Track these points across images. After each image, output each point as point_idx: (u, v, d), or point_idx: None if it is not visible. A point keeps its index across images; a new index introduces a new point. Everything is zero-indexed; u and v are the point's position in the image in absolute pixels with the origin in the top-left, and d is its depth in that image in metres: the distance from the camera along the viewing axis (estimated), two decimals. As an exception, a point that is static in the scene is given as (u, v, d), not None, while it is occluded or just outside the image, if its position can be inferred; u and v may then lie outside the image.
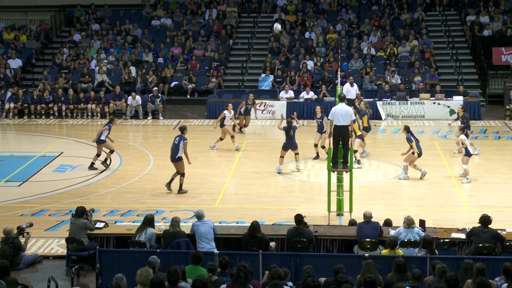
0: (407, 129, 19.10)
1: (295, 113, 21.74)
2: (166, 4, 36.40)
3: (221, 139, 22.70)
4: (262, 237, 12.93)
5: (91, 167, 20.55)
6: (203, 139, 23.88)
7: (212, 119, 27.49)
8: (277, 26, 25.99)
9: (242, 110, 24.93)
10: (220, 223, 15.32)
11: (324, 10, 35.11)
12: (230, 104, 23.20)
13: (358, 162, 20.56)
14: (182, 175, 18.27)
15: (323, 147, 20.95)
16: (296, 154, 20.20)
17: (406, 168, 19.20)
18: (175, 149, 18.15)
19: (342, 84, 25.56)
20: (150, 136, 26.08)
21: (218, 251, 12.53)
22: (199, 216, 13.41)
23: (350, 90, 26.32)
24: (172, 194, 18.30)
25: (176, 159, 18.16)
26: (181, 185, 18.31)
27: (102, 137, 20.36)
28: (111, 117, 21.95)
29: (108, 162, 20.72)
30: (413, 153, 18.79)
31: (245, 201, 17.86)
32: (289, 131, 19.92)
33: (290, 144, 19.98)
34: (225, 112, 22.70)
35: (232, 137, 22.63)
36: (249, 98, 25.19)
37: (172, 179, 18.39)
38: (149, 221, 13.37)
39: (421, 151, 18.84)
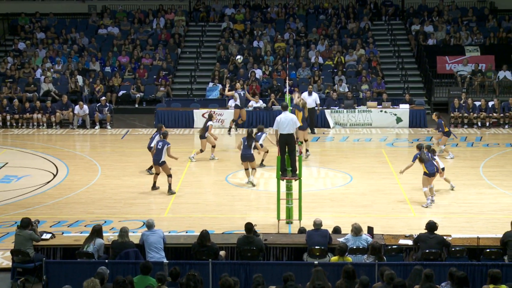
0: (418, 148, 18.00)
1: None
2: (113, 12, 36.11)
3: (213, 147, 22.45)
4: (212, 246, 12.90)
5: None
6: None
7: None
8: (239, 58, 28.46)
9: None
10: (169, 232, 15.20)
11: (272, 19, 35.30)
12: (214, 114, 23.87)
13: (307, 150, 20.92)
14: (169, 176, 18.71)
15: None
16: (253, 169, 19.66)
17: (427, 194, 17.87)
18: (158, 153, 18.59)
19: (291, 92, 25.59)
20: (97, 145, 25.76)
21: (167, 261, 12.45)
22: (149, 226, 13.31)
23: (307, 99, 26.25)
24: (120, 204, 18.13)
25: (160, 163, 18.63)
26: (170, 185, 18.74)
27: (152, 144, 19.75)
28: (159, 125, 21.01)
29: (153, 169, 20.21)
30: (424, 173, 17.85)
31: (195, 210, 17.78)
32: (246, 140, 19.63)
33: (245, 154, 19.47)
34: (210, 122, 22.02)
35: (212, 147, 22.42)
36: (241, 115, 26.17)
37: (155, 182, 18.87)
38: (97, 232, 13.20)
39: (431, 171, 17.72)
